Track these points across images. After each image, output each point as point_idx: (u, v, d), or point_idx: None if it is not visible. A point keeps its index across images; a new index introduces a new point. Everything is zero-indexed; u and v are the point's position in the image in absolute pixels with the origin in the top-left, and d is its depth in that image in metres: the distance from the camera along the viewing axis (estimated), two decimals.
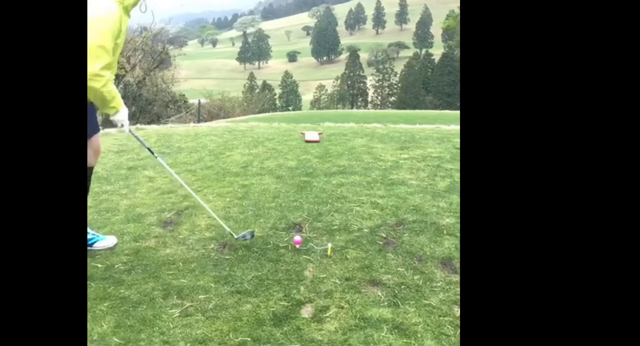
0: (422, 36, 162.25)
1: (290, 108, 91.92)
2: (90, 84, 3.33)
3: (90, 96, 3.42)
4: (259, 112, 36.28)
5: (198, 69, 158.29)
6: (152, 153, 4.03)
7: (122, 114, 3.66)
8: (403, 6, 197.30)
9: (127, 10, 3.59)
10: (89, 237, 4.00)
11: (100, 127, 3.89)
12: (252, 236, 4.07)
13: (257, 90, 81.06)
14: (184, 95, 34.81)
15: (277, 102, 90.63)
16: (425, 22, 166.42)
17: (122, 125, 3.72)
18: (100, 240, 4.03)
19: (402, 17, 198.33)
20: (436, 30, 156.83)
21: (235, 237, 4.00)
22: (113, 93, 3.51)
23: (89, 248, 3.98)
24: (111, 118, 3.68)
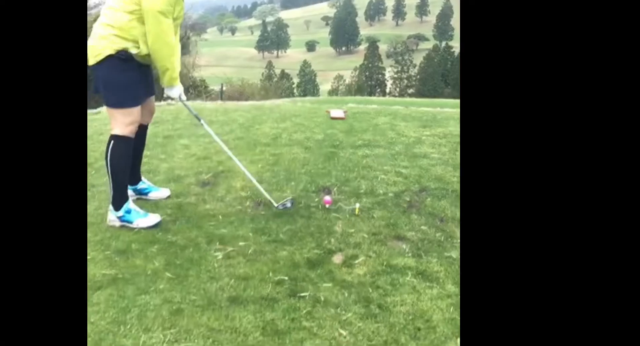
0: (443, 28, 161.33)
1: (308, 97, 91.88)
2: (150, 26, 3.61)
3: (156, 57, 3.72)
4: (278, 99, 36.50)
5: (216, 56, 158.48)
6: (199, 119, 4.32)
7: (177, 90, 3.99)
8: None
9: None
10: (144, 186, 4.35)
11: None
12: (293, 204, 4.31)
13: (275, 79, 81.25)
14: (204, 80, 35.07)
15: (295, 91, 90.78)
16: (446, 14, 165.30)
17: (179, 98, 4.03)
18: (155, 190, 4.39)
19: (422, 9, 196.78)
20: (457, 23, 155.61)
21: (275, 205, 4.24)
22: (176, 63, 3.86)
23: (144, 197, 4.34)
24: (166, 93, 4.01)
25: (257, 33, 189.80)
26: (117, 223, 3.87)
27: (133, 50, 3.70)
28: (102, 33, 3.68)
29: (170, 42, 3.70)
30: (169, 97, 4.08)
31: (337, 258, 3.49)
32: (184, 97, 4.07)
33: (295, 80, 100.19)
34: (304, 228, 3.90)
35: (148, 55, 3.77)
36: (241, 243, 3.64)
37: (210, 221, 4.00)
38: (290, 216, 4.09)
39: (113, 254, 3.48)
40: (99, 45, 3.67)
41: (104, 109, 8.95)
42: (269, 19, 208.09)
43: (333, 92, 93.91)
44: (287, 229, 3.87)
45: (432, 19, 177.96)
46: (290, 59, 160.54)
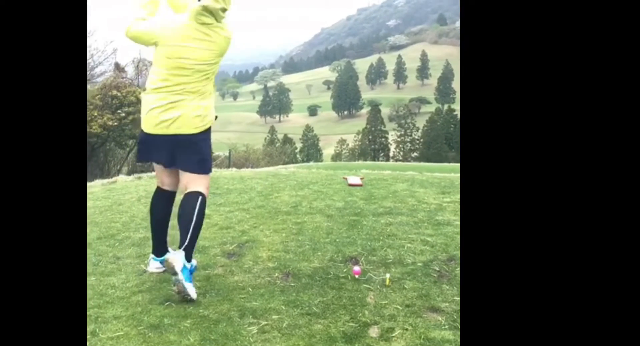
0: (444, 91, 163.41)
1: (311, 162, 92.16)
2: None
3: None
4: (283, 164, 36.74)
5: (219, 121, 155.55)
6: None
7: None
8: (424, 61, 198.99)
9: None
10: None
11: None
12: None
13: (278, 144, 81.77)
14: None
15: (298, 156, 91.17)
16: (446, 77, 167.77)
17: None
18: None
19: (423, 72, 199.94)
20: (458, 85, 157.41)
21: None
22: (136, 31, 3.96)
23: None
24: None
25: (259, 98, 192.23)
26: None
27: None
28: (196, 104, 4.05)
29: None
30: None
31: (374, 332, 3.43)
32: None
33: (298, 144, 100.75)
34: (336, 300, 3.85)
35: None
36: (274, 317, 3.58)
37: (240, 293, 3.95)
38: (320, 287, 4.04)
39: (146, 329, 3.42)
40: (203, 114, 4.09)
41: (120, 178, 9.00)
42: (271, 83, 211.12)
43: (336, 156, 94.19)
44: (319, 301, 3.81)
45: (433, 82, 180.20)
46: (293, 123, 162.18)
